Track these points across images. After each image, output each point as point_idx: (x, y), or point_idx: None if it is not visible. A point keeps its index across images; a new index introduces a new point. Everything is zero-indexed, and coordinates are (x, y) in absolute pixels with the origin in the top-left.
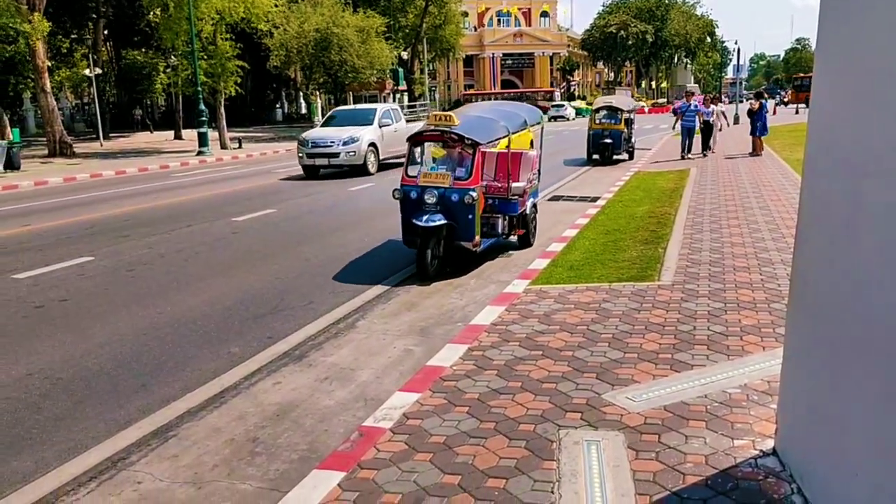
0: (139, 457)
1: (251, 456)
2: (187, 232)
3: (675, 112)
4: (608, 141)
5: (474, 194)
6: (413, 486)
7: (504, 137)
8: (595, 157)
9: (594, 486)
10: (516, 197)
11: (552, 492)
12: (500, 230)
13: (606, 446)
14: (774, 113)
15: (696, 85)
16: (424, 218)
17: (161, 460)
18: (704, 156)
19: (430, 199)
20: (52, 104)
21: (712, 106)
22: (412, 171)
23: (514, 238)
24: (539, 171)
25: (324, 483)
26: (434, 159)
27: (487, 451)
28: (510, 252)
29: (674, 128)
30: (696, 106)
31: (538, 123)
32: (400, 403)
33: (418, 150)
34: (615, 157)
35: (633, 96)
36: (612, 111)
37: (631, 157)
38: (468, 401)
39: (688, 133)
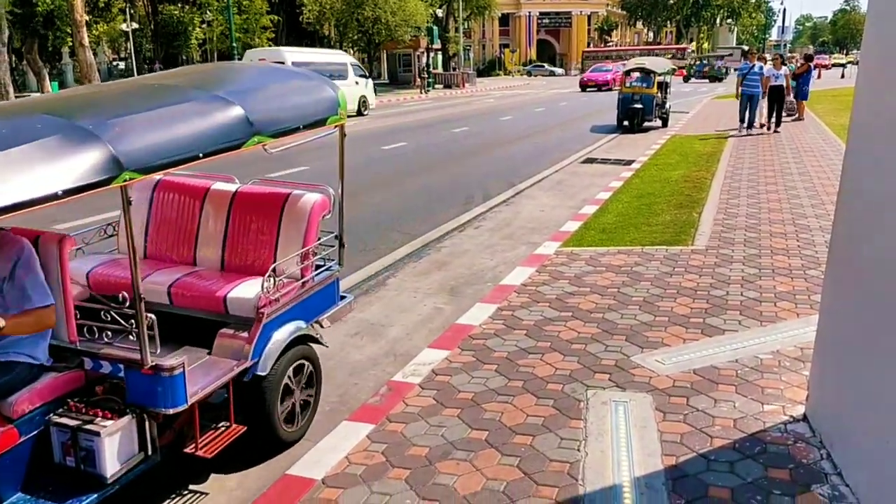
0: None
1: None
2: None
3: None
4: (638, 106)
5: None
6: (441, 439)
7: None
8: (625, 123)
9: (620, 445)
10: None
11: (578, 450)
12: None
13: (634, 407)
14: (819, 76)
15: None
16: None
17: None
18: (775, 130)
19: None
20: (89, 58)
21: (783, 68)
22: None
23: (658, 122)
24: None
25: (353, 434)
26: (636, 79)
27: (515, 408)
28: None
29: (737, 95)
30: (760, 68)
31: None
32: (429, 360)
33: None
34: (646, 123)
35: (684, 58)
36: (645, 74)
37: (665, 125)
38: (497, 359)
39: (749, 101)
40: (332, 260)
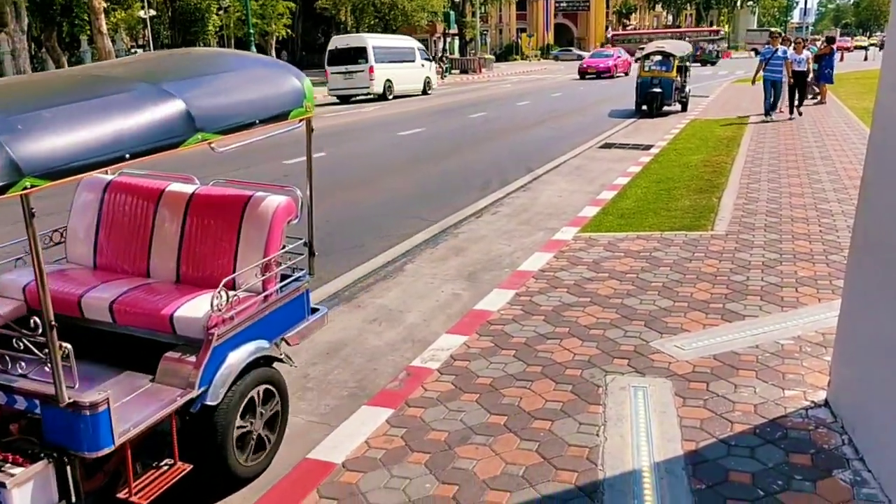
0: None
1: (302, 391)
2: (239, 175)
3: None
4: (657, 90)
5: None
6: (459, 424)
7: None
8: (643, 107)
9: (640, 430)
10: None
11: (597, 435)
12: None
13: (653, 392)
14: (842, 59)
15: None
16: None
17: None
18: (790, 116)
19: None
20: (108, 46)
21: (805, 52)
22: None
23: (678, 106)
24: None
25: (372, 419)
26: (655, 63)
27: (533, 393)
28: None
29: (753, 81)
30: (784, 52)
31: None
32: (447, 345)
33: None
34: (665, 107)
35: (717, 41)
36: (664, 57)
37: (684, 109)
38: (515, 344)
39: (772, 86)
40: (302, 270)
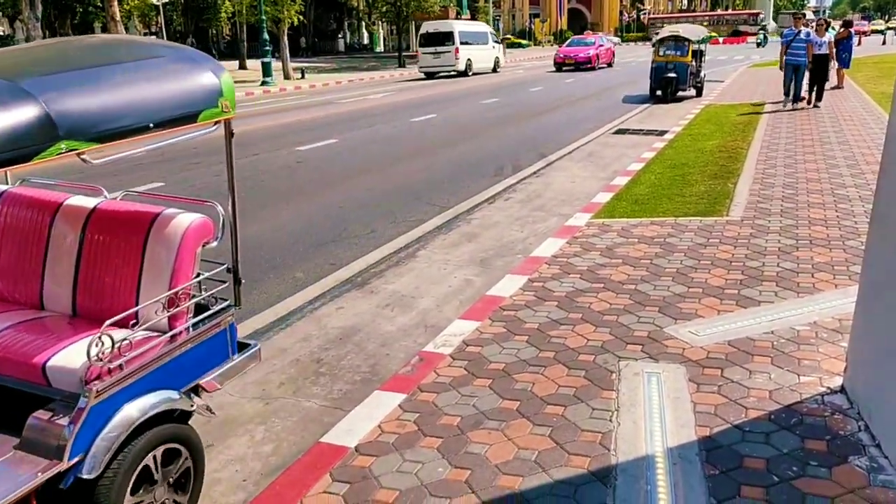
0: None
1: (315, 376)
2: (253, 160)
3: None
4: (672, 75)
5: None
6: (472, 409)
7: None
8: (658, 92)
9: (653, 416)
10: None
11: (610, 420)
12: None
13: (667, 378)
14: (860, 43)
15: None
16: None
17: None
18: (815, 105)
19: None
20: (121, 33)
21: (826, 34)
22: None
23: (693, 91)
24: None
25: (385, 404)
26: (670, 47)
27: (546, 379)
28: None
29: (781, 67)
30: (808, 35)
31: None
32: (459, 331)
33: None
34: (680, 93)
35: (756, 24)
36: (679, 42)
37: (699, 94)
38: (527, 330)
39: (794, 71)
40: (225, 300)
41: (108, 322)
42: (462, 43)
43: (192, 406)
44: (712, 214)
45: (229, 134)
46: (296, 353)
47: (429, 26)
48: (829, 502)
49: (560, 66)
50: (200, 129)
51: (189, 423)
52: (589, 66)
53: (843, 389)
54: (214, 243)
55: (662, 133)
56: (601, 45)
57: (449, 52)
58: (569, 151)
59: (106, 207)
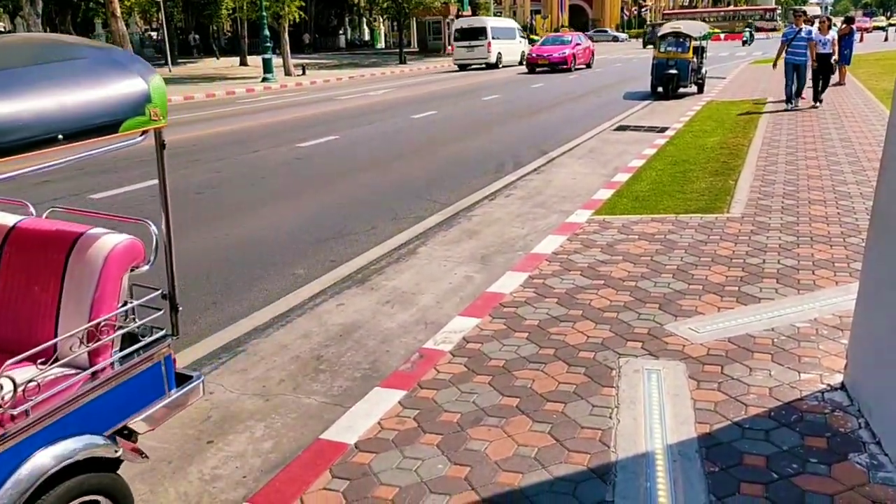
0: (210, 369)
1: (315, 372)
2: (253, 157)
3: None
4: (673, 72)
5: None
6: (472, 406)
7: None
8: (659, 89)
9: (653, 413)
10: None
11: (610, 417)
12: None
13: (667, 375)
14: (861, 40)
15: (777, 7)
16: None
17: (231, 373)
18: (814, 104)
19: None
20: (122, 29)
21: (830, 32)
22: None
23: (694, 88)
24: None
25: (385, 400)
26: (671, 43)
27: (546, 376)
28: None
29: (775, 64)
30: (809, 33)
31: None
32: (460, 328)
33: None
34: (681, 89)
35: (773, 19)
36: (680, 38)
37: (700, 91)
38: (528, 327)
39: (795, 71)
40: (161, 329)
41: (10, 361)
42: (494, 38)
43: (116, 452)
44: (713, 211)
45: (160, 145)
46: (296, 350)
47: (463, 22)
48: (829, 500)
49: (533, 66)
50: (124, 140)
51: (118, 472)
52: (564, 66)
53: (843, 386)
54: (145, 267)
55: (663, 130)
56: (578, 44)
57: (482, 45)
58: (570, 148)
59: (26, 226)
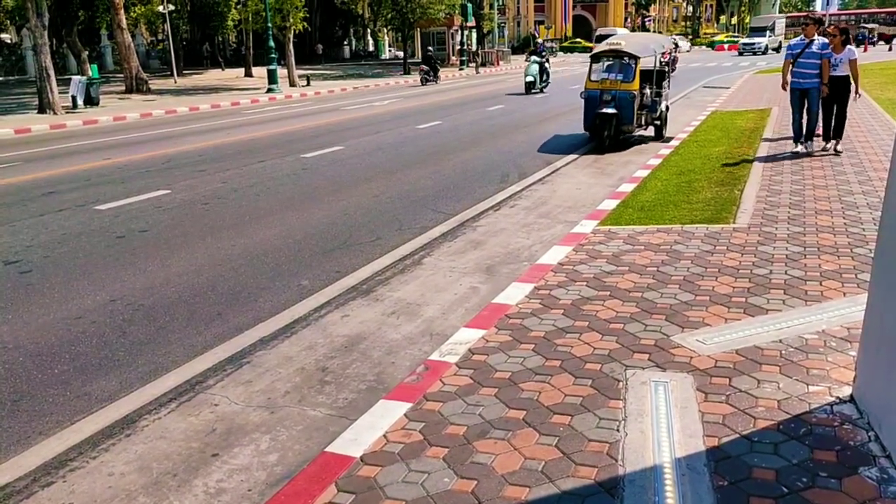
0: (216, 381)
1: (321, 384)
2: (259, 167)
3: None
4: (609, 111)
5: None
6: (478, 418)
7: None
8: (592, 133)
9: (661, 426)
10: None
11: (618, 430)
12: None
13: (674, 387)
14: (865, 51)
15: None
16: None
17: (236, 385)
18: (837, 152)
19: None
20: (127, 40)
21: (849, 48)
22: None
23: (651, 132)
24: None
25: (391, 413)
26: (607, 68)
27: (553, 388)
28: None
29: (784, 86)
30: (823, 46)
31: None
32: (465, 339)
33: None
34: (623, 135)
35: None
36: (622, 60)
37: (659, 136)
38: (534, 338)
39: (801, 98)
40: None
41: None
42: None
43: None
44: (719, 222)
45: None
46: (301, 362)
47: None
48: None
49: None
50: None
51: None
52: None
53: (852, 399)
54: None
55: (668, 140)
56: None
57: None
58: (574, 158)
59: None
